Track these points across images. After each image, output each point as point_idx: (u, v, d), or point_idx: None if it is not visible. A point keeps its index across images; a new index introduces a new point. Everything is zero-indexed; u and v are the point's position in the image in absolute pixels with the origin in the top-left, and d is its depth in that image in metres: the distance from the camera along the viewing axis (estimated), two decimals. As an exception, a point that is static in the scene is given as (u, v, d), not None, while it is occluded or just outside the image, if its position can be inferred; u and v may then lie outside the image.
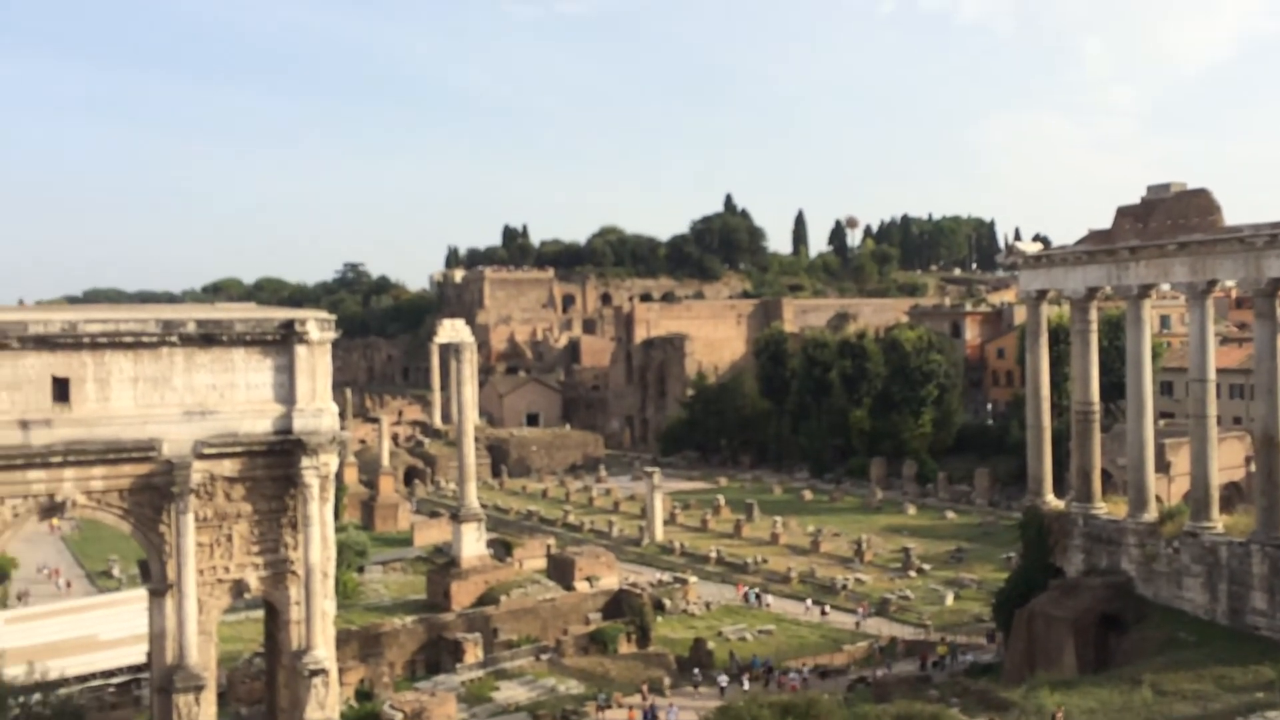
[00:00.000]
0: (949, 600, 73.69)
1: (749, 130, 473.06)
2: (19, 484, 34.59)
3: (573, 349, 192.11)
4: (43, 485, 34.91)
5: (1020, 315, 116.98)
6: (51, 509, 35.62)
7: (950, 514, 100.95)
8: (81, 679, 47.39)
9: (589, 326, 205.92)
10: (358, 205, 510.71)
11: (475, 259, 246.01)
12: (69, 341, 34.92)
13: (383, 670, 56.22)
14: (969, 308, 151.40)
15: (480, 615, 64.18)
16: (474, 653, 59.46)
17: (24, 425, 34.42)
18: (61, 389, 34.97)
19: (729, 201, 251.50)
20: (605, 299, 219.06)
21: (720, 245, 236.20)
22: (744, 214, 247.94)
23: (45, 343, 34.66)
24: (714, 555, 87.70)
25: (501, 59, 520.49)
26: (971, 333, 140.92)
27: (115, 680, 51.09)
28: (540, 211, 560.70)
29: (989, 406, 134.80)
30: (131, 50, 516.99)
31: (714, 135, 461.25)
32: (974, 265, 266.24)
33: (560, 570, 74.23)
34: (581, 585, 71.66)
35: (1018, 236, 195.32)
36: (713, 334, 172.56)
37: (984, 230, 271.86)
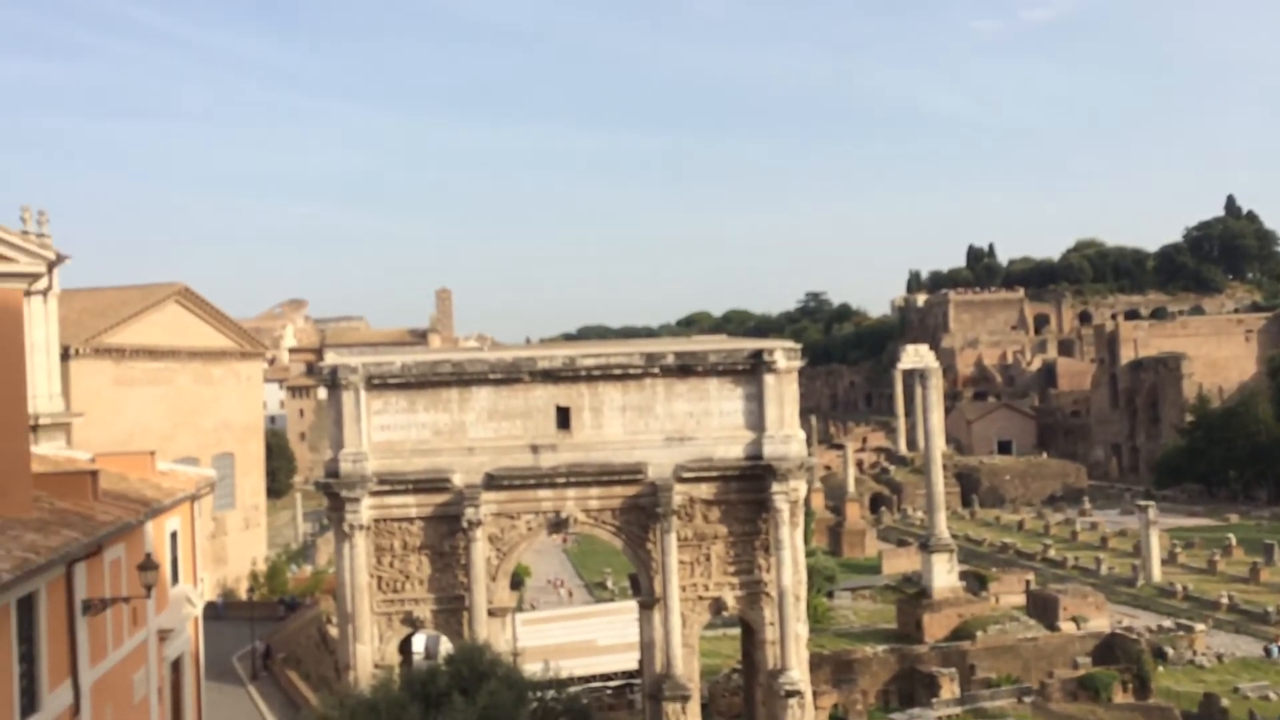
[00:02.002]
0: None
1: (1254, 125, 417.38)
2: (530, 501, 39.04)
3: (1047, 372, 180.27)
4: (550, 503, 39.09)
5: None
6: (557, 524, 39.77)
7: None
8: (584, 680, 52.17)
9: (1065, 348, 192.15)
10: (820, 235, 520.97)
11: (938, 282, 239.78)
12: (569, 375, 38.88)
13: (855, 698, 55.97)
14: None
15: (955, 650, 61.76)
16: (950, 688, 57.27)
17: (534, 449, 38.84)
18: (563, 417, 39.00)
19: (1230, 204, 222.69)
20: (1083, 318, 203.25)
21: (1221, 254, 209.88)
22: (1250, 216, 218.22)
23: (550, 376, 38.89)
24: (1225, 601, 77.28)
25: (965, 75, 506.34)
26: None
27: (612, 684, 55.76)
28: (1007, 230, 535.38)
29: None
30: (610, 104, 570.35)
31: (1208, 133, 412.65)
32: None
33: (1041, 608, 69.57)
34: (1066, 625, 66.56)
35: None
36: (1215, 352, 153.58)
37: None
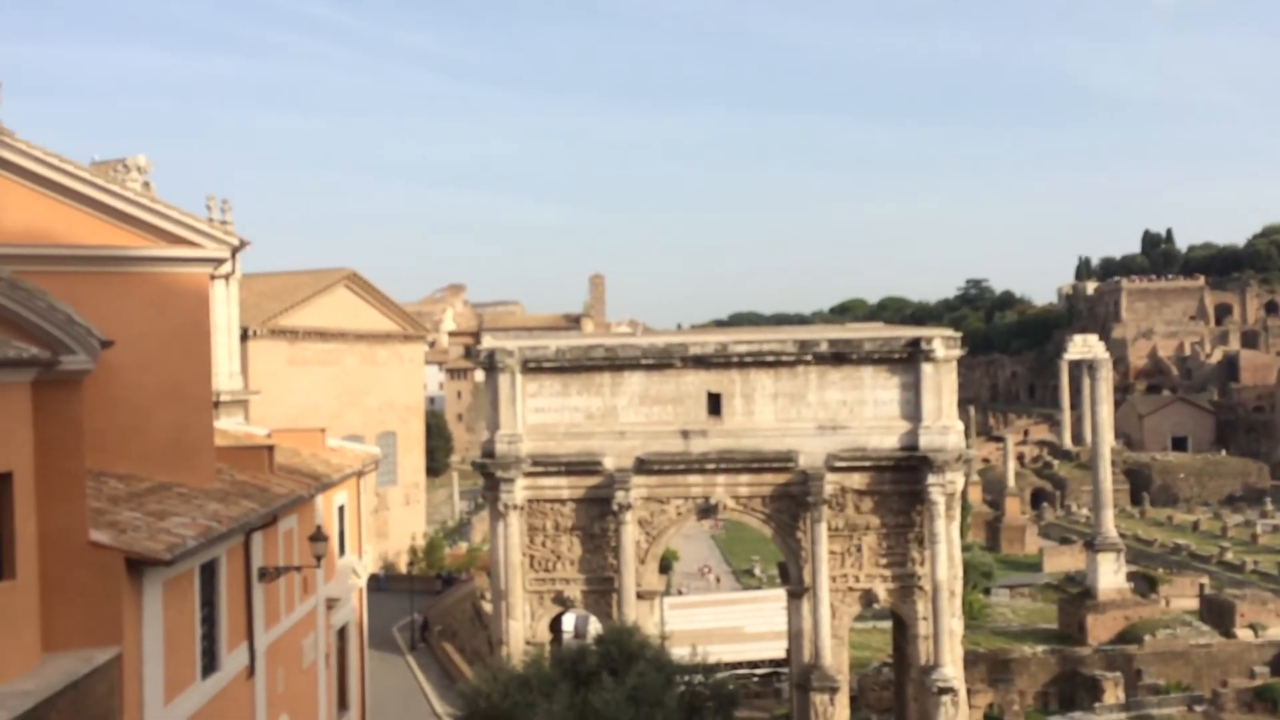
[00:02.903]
0: None
1: None
2: (680, 487, 39.21)
3: (1229, 365, 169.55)
4: (699, 489, 39.18)
5: None
6: (706, 510, 39.84)
7: None
8: (730, 666, 52.24)
9: (1249, 340, 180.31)
10: (981, 220, 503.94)
11: (1110, 269, 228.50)
12: (720, 361, 38.83)
13: (1012, 698, 54.23)
14: None
15: (1121, 653, 59.05)
16: (1114, 693, 54.80)
17: (685, 435, 38.97)
18: (714, 403, 38.98)
19: None
20: (1270, 308, 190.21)
21: None
22: None
23: (702, 362, 38.92)
24: None
25: (1139, 49, 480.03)
26: None
27: (759, 671, 55.60)
28: (1187, 214, 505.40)
29: None
30: (763, 90, 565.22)
31: None
32: None
33: (1216, 613, 65.80)
34: (1243, 633, 62.75)
35: None
36: None
37: None
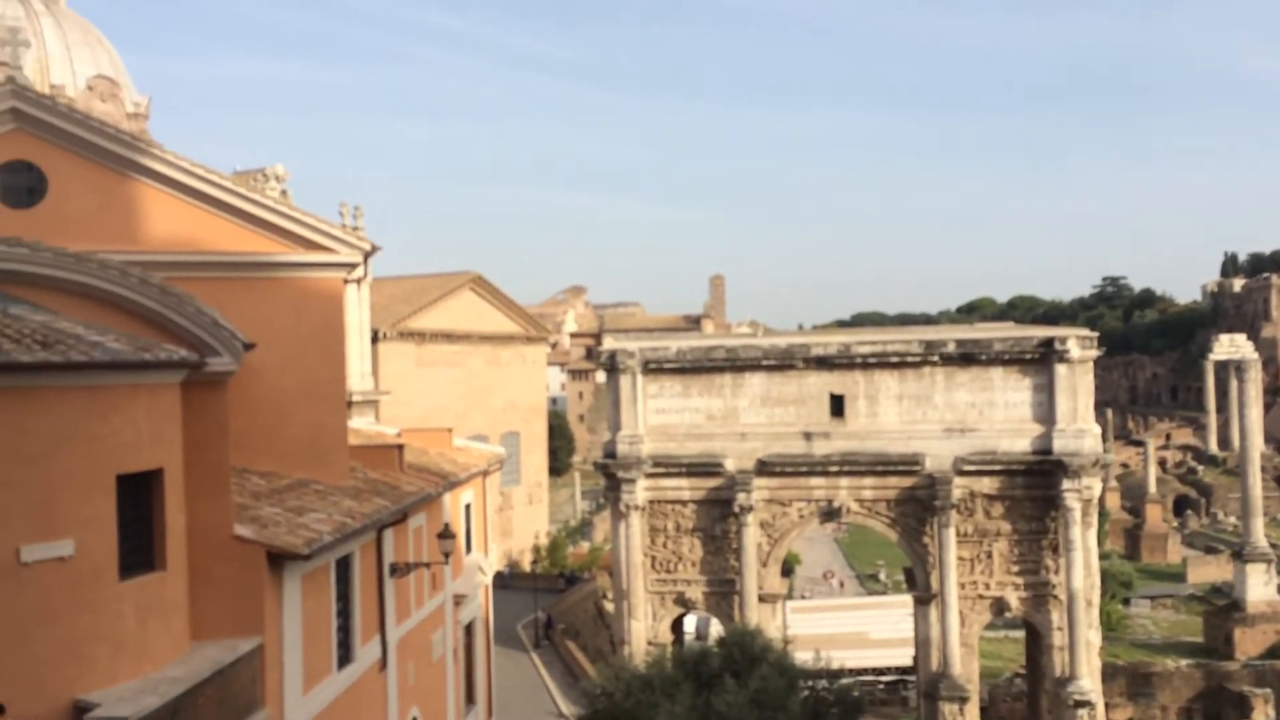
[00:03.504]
0: None
1: None
2: (803, 489, 38.77)
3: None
4: (822, 491, 38.67)
5: None
6: (829, 513, 39.28)
7: None
8: (855, 672, 51.42)
9: None
10: (1118, 215, 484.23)
11: (1259, 265, 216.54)
12: (844, 362, 38.25)
13: (1154, 713, 51.92)
14: None
15: (1271, 669, 55.86)
16: (1263, 711, 51.89)
17: (807, 437, 38.52)
18: (837, 404, 38.44)
19: None
20: None
21: None
22: None
23: (824, 363, 38.42)
24: None
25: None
26: None
27: (885, 678, 54.59)
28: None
29: None
30: (888, 86, 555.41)
31: None
32: None
33: (1380, 631, 61.64)
34: None
35: None
36: None
37: None
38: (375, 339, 63.88)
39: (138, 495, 14.47)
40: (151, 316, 15.88)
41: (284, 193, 41.07)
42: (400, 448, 26.09)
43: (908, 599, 42.78)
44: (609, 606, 55.88)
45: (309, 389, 21.16)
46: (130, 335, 15.08)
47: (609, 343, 41.49)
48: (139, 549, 14.50)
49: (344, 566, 19.77)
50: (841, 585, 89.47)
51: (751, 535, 38.29)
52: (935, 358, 37.59)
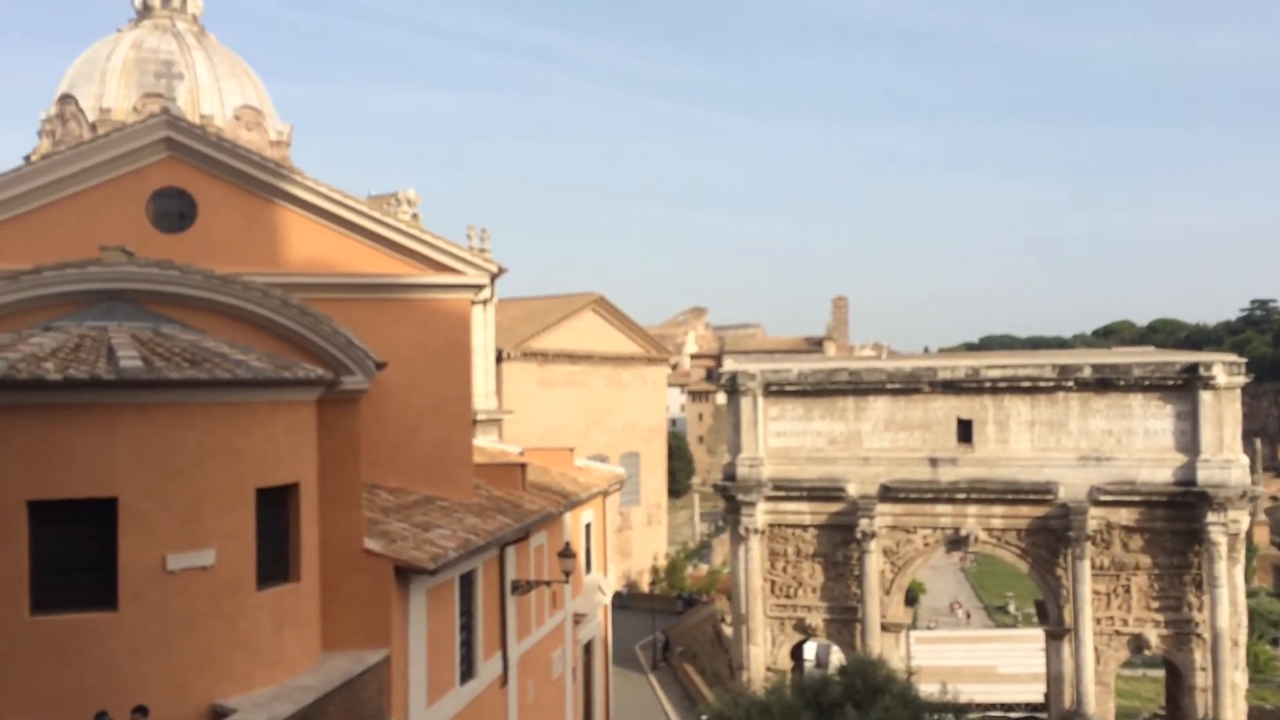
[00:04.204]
0: None
1: None
2: (928, 516, 37.82)
3: None
4: (948, 519, 37.65)
5: None
6: (956, 542, 38.21)
7: None
8: (982, 707, 49.76)
9: None
10: (1267, 235, 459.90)
11: None
12: (972, 386, 37.24)
13: (1307, 765, 48.76)
14: None
15: None
16: None
17: (933, 462, 37.60)
18: (965, 430, 37.43)
19: None
20: None
21: None
22: None
23: (952, 387, 37.47)
24: None
25: None
26: None
27: (1013, 715, 52.62)
28: None
29: None
30: (1018, 100, 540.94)
31: None
32: None
33: None
34: None
35: None
36: None
37: None
38: (499, 359, 65.07)
39: (275, 508, 15.02)
40: (290, 336, 16.50)
41: (415, 216, 42.32)
42: (523, 466, 26.46)
43: (1039, 633, 41.25)
44: (727, 630, 55.41)
45: (436, 407, 21.65)
46: (270, 354, 15.69)
47: (729, 364, 41.35)
48: (275, 560, 15.02)
49: (467, 582, 20.10)
50: (968, 617, 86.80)
51: (874, 562, 37.51)
52: (1070, 383, 36.29)
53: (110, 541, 13.28)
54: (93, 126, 42.53)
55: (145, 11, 46.58)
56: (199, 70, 44.38)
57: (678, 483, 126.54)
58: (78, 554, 13.32)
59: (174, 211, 20.71)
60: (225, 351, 14.75)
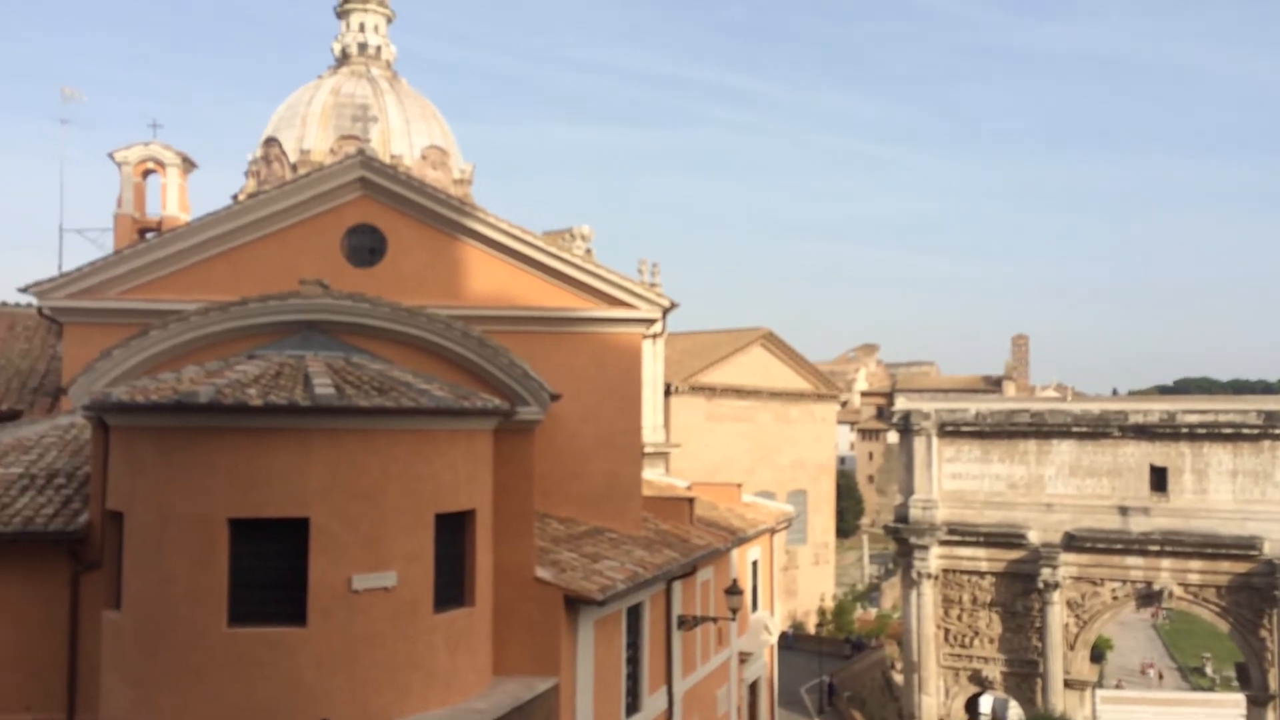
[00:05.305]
0: None
1: None
2: (1117, 568, 35.73)
3: None
4: (1140, 572, 35.46)
5: None
6: (1148, 597, 35.92)
7: None
8: (1175, 776, 46.44)
9: None
10: None
11: None
12: (1167, 431, 35.10)
13: None
14: None
15: None
16: None
17: (1122, 511, 35.53)
18: (1159, 478, 35.26)
19: None
20: None
21: None
22: None
23: (1144, 432, 35.40)
24: None
25: None
26: None
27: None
28: None
29: None
30: (1209, 129, 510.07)
31: None
32: None
33: None
34: None
35: None
36: None
37: None
38: (667, 392, 65.48)
39: (452, 534, 15.49)
40: (470, 367, 17.07)
41: (588, 251, 43.19)
42: (691, 501, 26.44)
43: (1239, 698, 38.21)
44: (897, 678, 53.65)
45: (607, 439, 21.92)
46: (451, 384, 16.27)
47: (902, 402, 40.31)
48: (451, 584, 15.47)
49: (634, 615, 20.17)
50: (1160, 677, 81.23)
51: (1057, 614, 35.63)
52: (1277, 430, 33.71)
53: (301, 560, 13.97)
54: (294, 167, 45.38)
55: (343, 59, 49.52)
56: (390, 113, 46.79)
57: (846, 522, 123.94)
58: (272, 570, 14.06)
59: (366, 247, 21.79)
60: (410, 380, 15.38)
